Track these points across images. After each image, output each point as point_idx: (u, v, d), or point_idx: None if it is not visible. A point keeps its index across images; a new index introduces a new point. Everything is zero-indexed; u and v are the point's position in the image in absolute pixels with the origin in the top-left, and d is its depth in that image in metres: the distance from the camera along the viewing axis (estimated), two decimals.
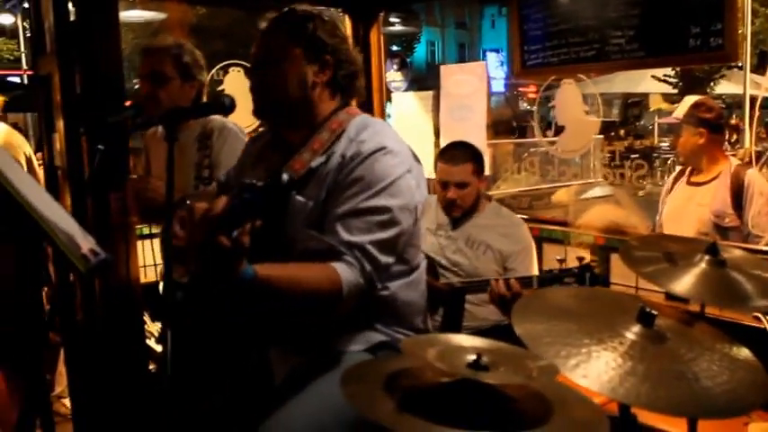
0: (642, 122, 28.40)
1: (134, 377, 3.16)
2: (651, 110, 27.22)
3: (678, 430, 2.24)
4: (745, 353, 1.84)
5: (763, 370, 1.78)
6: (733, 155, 5.79)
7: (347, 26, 4.74)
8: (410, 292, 2.54)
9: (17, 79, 20.99)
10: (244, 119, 2.69)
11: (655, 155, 16.99)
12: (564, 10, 4.31)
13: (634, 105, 29.24)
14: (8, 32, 27.35)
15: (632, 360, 1.66)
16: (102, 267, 1.99)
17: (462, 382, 1.50)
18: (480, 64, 6.09)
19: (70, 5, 3.09)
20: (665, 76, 25.28)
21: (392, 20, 29.61)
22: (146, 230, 4.58)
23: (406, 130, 5.08)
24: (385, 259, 2.29)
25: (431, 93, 5.82)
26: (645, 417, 1.83)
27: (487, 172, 4.01)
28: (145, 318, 3.81)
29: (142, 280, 3.39)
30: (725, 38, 3.54)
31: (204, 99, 3.59)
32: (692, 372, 1.67)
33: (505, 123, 22.85)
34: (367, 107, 4.62)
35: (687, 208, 4.38)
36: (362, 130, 2.42)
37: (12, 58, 26.88)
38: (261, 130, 2.90)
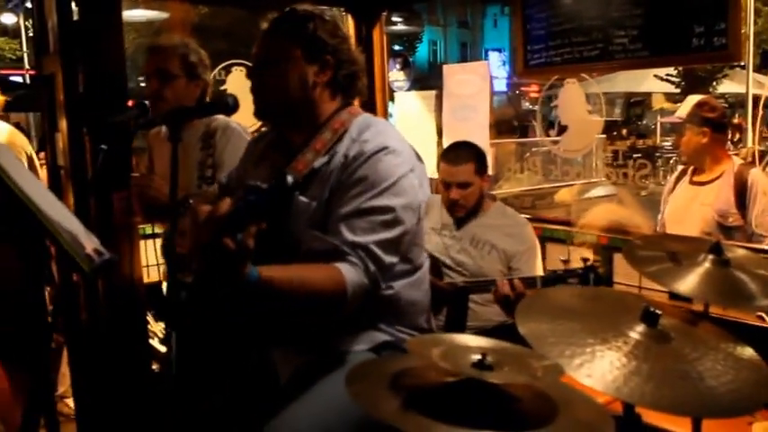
0: (644, 122, 28.38)
1: (137, 377, 3.16)
2: (654, 109, 27.20)
3: (682, 430, 2.23)
4: (749, 352, 1.83)
5: None
6: (735, 154, 5.79)
7: (350, 26, 4.75)
8: (414, 291, 2.54)
9: (19, 79, 21.03)
10: (247, 118, 2.68)
11: (657, 154, 16.96)
12: (567, 9, 4.31)
13: (636, 105, 29.23)
14: (10, 32, 27.37)
15: (636, 359, 1.65)
16: (106, 267, 2.00)
17: (467, 382, 1.50)
18: (483, 64, 6.10)
19: (73, 5, 3.09)
20: (667, 75, 25.26)
21: (394, 19, 29.64)
22: (149, 230, 4.58)
23: (408, 130, 5.07)
24: (389, 259, 2.29)
25: (433, 92, 5.82)
26: (649, 416, 1.83)
27: (490, 172, 4.01)
28: (148, 318, 3.81)
29: (145, 280, 3.39)
30: (728, 37, 3.54)
31: (207, 99, 3.59)
32: (696, 371, 1.67)
33: (507, 123, 22.83)
34: (370, 107, 4.62)
35: (690, 207, 4.37)
36: (365, 129, 2.42)
37: (14, 57, 26.90)
38: (264, 129, 2.89)
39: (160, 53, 3.49)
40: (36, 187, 2.04)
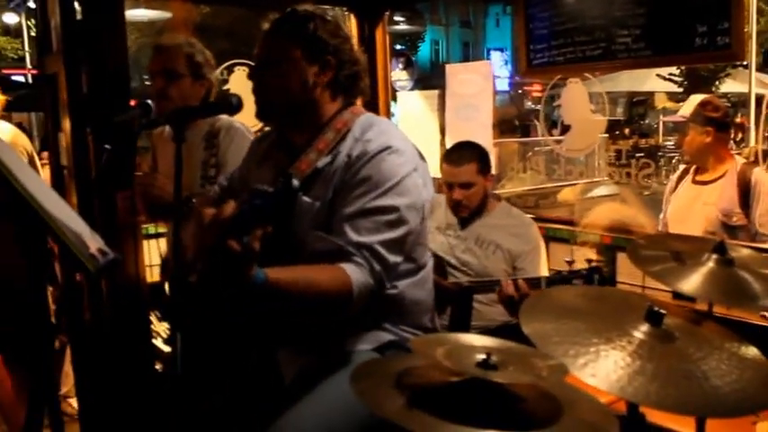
0: (647, 121, 28.39)
1: (141, 377, 3.16)
2: (656, 108, 27.21)
3: (686, 429, 2.23)
4: (753, 352, 1.83)
5: None
6: (738, 153, 5.78)
7: (353, 25, 4.75)
8: (418, 290, 2.54)
9: (21, 78, 21.06)
10: (250, 118, 2.68)
11: (660, 153, 16.98)
12: (570, 9, 4.31)
13: (639, 104, 29.25)
14: (12, 31, 27.42)
15: (641, 359, 1.65)
16: (110, 267, 2.00)
17: (471, 381, 1.50)
18: (486, 63, 6.09)
19: (76, 4, 3.09)
20: (670, 74, 25.27)
21: (396, 19, 29.65)
22: (152, 230, 4.58)
23: (411, 130, 5.07)
24: (393, 259, 2.28)
25: (436, 92, 5.81)
26: (653, 416, 1.83)
27: (493, 171, 4.00)
28: (151, 317, 3.81)
29: (148, 279, 3.40)
30: (732, 36, 3.53)
31: (211, 99, 3.60)
32: (700, 371, 1.67)
33: (509, 122, 22.83)
34: (372, 106, 4.62)
35: (693, 207, 4.37)
36: (368, 129, 2.42)
37: (16, 57, 26.94)
38: (267, 129, 2.90)
39: (166, 52, 3.49)
40: (40, 186, 2.04)
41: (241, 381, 2.59)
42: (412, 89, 6.69)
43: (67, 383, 4.60)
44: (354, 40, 2.60)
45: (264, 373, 2.55)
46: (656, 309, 1.77)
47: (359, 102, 2.65)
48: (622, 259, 4.06)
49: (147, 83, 3.71)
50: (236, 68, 5.55)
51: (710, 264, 2.15)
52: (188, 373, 2.29)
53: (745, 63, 15.72)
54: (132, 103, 3.20)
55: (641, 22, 3.91)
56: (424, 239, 2.59)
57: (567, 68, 4.58)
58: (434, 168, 3.74)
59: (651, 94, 27.48)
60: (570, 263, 3.27)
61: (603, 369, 1.62)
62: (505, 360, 1.54)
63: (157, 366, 3.53)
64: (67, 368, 4.41)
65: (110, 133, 2.87)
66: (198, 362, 2.53)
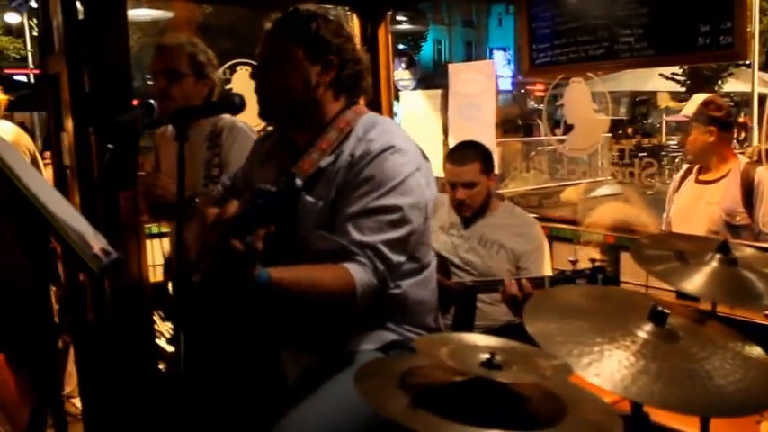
0: (650, 120, 28.36)
1: (144, 377, 3.16)
2: (659, 108, 27.19)
3: (690, 429, 2.23)
4: (757, 351, 1.83)
5: None
6: (741, 153, 5.77)
7: (355, 25, 4.75)
8: (421, 290, 2.54)
9: (23, 78, 21.06)
10: (253, 118, 2.68)
11: (663, 153, 16.95)
12: (573, 8, 4.31)
13: (642, 103, 29.22)
14: (14, 31, 27.42)
15: (645, 359, 1.65)
16: (114, 267, 2.00)
17: (475, 381, 1.50)
18: (488, 63, 6.11)
19: (78, 4, 3.09)
20: (672, 74, 25.25)
21: (399, 18, 29.64)
22: (154, 229, 4.58)
23: (414, 129, 5.08)
24: (397, 258, 2.28)
25: (439, 91, 5.82)
26: (657, 415, 1.82)
27: (496, 171, 4.00)
28: (155, 317, 3.81)
29: (152, 279, 3.39)
30: (734, 36, 3.53)
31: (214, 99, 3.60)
32: (704, 370, 1.66)
33: (512, 122, 22.82)
34: (375, 106, 4.61)
35: (697, 206, 4.36)
36: (371, 128, 2.41)
37: (18, 56, 26.95)
38: (270, 129, 2.90)
39: (169, 52, 3.48)
40: (43, 186, 2.04)
41: (242, 381, 2.59)
42: (415, 89, 6.70)
43: (71, 383, 4.61)
44: (357, 40, 2.60)
45: (266, 373, 2.54)
46: (660, 308, 1.76)
47: (362, 101, 2.65)
48: (626, 259, 4.06)
49: (149, 83, 3.71)
50: (239, 68, 5.56)
51: (714, 263, 2.15)
52: (190, 373, 2.29)
53: (747, 62, 15.72)
54: (135, 102, 3.21)
55: (644, 21, 3.90)
56: (428, 239, 2.59)
57: (570, 68, 4.58)
58: (437, 168, 3.74)
59: (654, 93, 27.45)
60: (574, 262, 3.27)
61: (607, 368, 1.61)
62: (509, 360, 1.54)
63: (160, 366, 3.54)
64: (71, 368, 4.42)
65: (112, 133, 2.87)
66: (200, 362, 2.53)
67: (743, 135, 16.56)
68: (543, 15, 4.47)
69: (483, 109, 5.27)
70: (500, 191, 6.20)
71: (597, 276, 3.16)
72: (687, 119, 4.49)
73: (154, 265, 4.06)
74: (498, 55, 40.16)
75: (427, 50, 41.16)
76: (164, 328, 4.05)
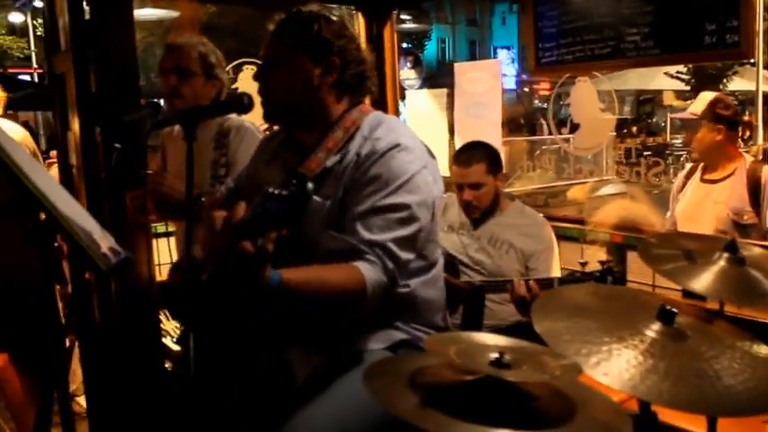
0: (655, 119, 28.33)
1: (150, 376, 3.16)
2: (664, 106, 27.15)
3: (698, 428, 2.23)
4: (765, 351, 1.82)
5: None
6: (746, 151, 5.77)
7: (360, 24, 4.75)
8: (429, 289, 2.54)
9: (27, 77, 21.12)
10: (259, 118, 2.68)
11: (668, 152, 16.94)
12: (578, 7, 4.31)
13: (647, 102, 29.18)
14: (18, 31, 27.47)
15: (653, 358, 1.65)
16: (123, 266, 2.00)
17: (484, 380, 1.50)
18: (494, 61, 6.11)
19: (84, 4, 3.09)
20: (677, 72, 25.21)
21: (403, 17, 29.63)
22: (161, 228, 4.58)
23: (420, 128, 5.07)
24: (406, 256, 2.29)
25: (444, 90, 5.82)
26: (665, 414, 1.82)
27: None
28: (161, 316, 3.81)
29: (158, 278, 3.40)
30: (740, 34, 3.53)
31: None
32: (713, 370, 1.66)
33: (516, 121, 22.81)
34: (381, 105, 4.62)
35: (703, 206, 4.35)
36: (376, 127, 2.42)
37: (22, 56, 27.00)
38: (275, 128, 2.90)
39: (179, 50, 3.49)
40: (51, 185, 2.04)
41: (251, 382, 2.59)
42: (420, 88, 6.70)
43: (75, 381, 4.61)
44: (362, 40, 2.60)
45: (274, 373, 2.54)
46: (669, 307, 1.76)
47: (367, 100, 2.65)
48: (633, 258, 4.05)
49: (154, 82, 3.72)
50: (245, 67, 5.56)
51: (722, 262, 2.14)
52: (199, 374, 2.30)
53: (752, 61, 15.69)
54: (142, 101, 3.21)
55: (650, 20, 3.90)
56: (435, 237, 2.59)
57: (576, 67, 4.58)
58: (443, 167, 3.74)
59: (659, 92, 27.39)
60: (584, 264, 3.27)
61: (616, 368, 1.61)
62: (518, 359, 1.54)
63: (167, 365, 3.54)
64: (75, 366, 4.42)
65: (119, 132, 2.87)
66: (208, 363, 2.54)
67: (747, 134, 16.53)
68: (549, 14, 4.47)
69: (489, 107, 5.27)
70: (506, 190, 6.21)
71: (607, 278, 3.16)
72: (694, 117, 4.48)
73: (160, 265, 4.06)
74: (502, 53, 40.20)
75: (431, 49, 41.19)
76: (170, 327, 4.05)
